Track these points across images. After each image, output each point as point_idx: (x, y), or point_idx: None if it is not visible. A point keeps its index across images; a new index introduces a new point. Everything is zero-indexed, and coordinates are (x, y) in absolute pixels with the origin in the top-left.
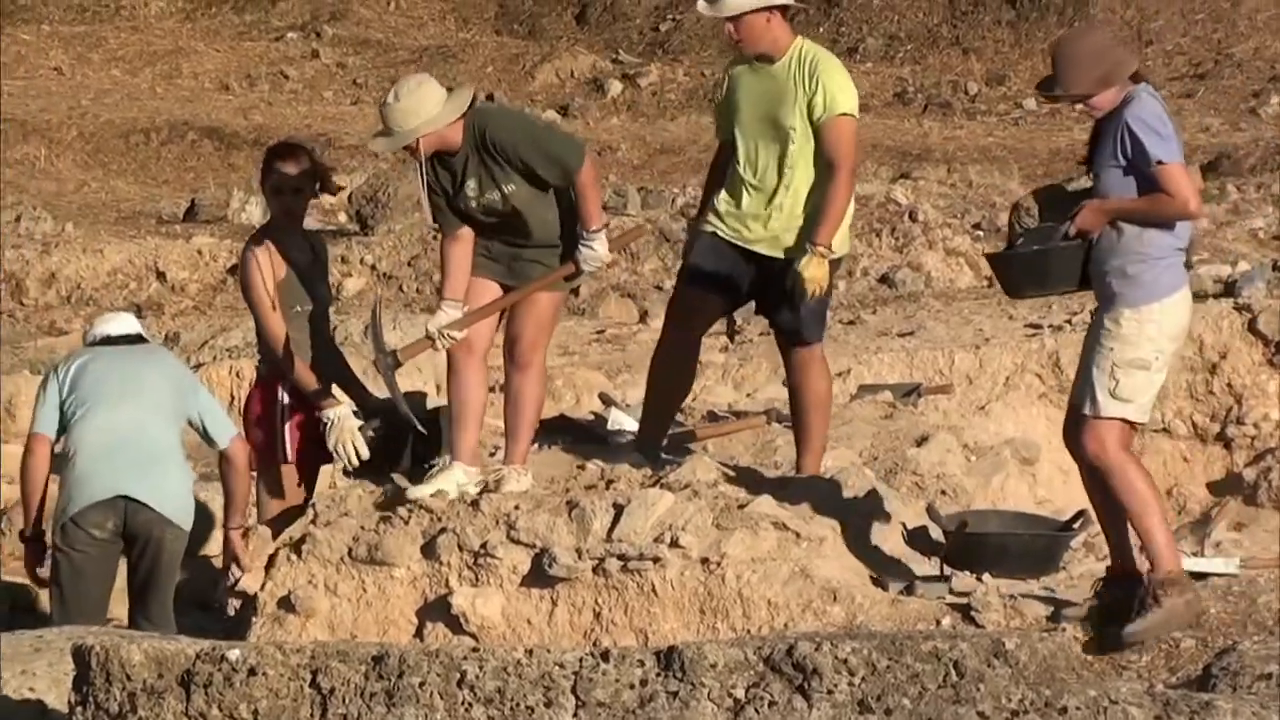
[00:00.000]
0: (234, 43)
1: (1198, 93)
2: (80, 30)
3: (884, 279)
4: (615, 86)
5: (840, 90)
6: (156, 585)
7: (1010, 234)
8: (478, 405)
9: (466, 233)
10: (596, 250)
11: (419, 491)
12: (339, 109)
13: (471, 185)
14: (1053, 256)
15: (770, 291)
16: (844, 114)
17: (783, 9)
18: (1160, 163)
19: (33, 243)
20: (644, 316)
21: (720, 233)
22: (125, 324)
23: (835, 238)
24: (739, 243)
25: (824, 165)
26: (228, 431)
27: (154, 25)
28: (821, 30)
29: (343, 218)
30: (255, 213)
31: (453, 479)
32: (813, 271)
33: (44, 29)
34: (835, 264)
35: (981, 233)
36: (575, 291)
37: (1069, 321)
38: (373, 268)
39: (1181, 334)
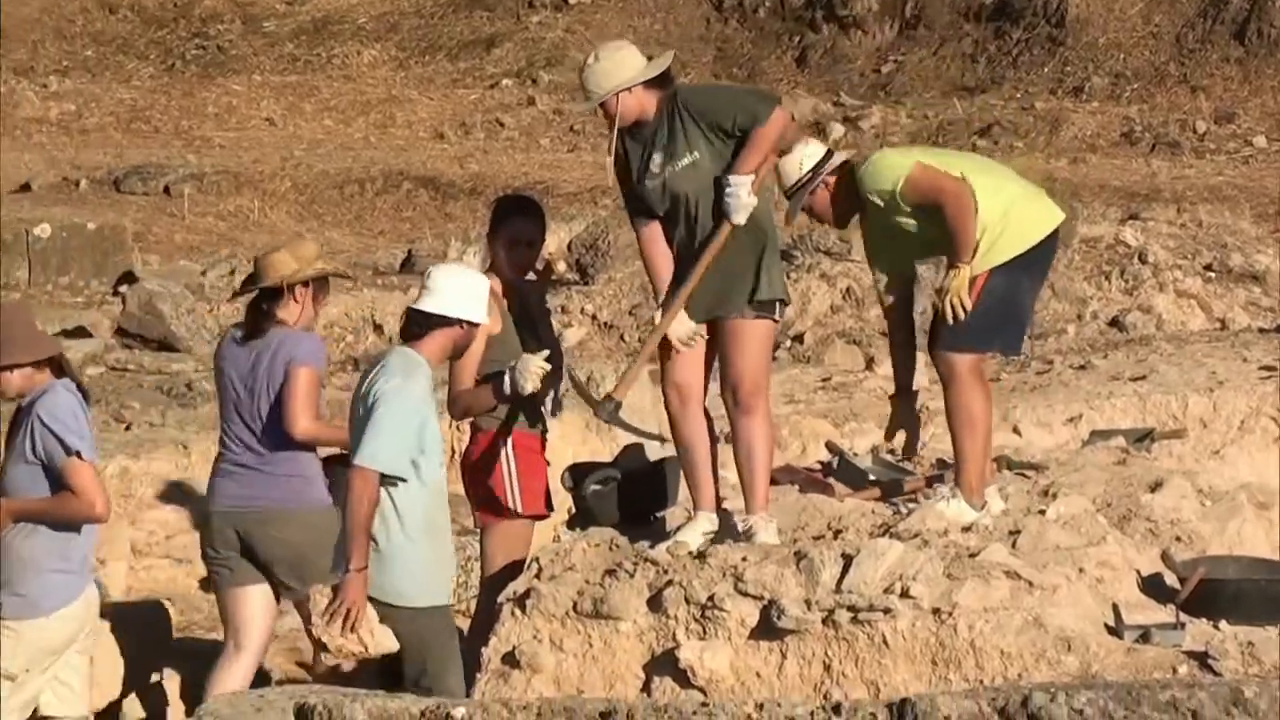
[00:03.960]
0: (448, 91)
1: None
2: (292, 80)
3: (1114, 322)
4: (837, 129)
5: None
6: None
7: None
8: (706, 451)
9: (655, 225)
10: (741, 197)
11: (678, 544)
12: (556, 156)
13: (657, 160)
14: None
15: None
16: None
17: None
18: (74, 456)
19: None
20: (870, 363)
21: None
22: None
23: None
24: None
25: None
26: None
27: (366, 74)
28: (1047, 70)
29: (562, 267)
30: (474, 263)
31: (699, 529)
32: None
33: (255, 79)
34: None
35: (1213, 273)
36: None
37: None
38: (593, 317)
39: (63, 648)
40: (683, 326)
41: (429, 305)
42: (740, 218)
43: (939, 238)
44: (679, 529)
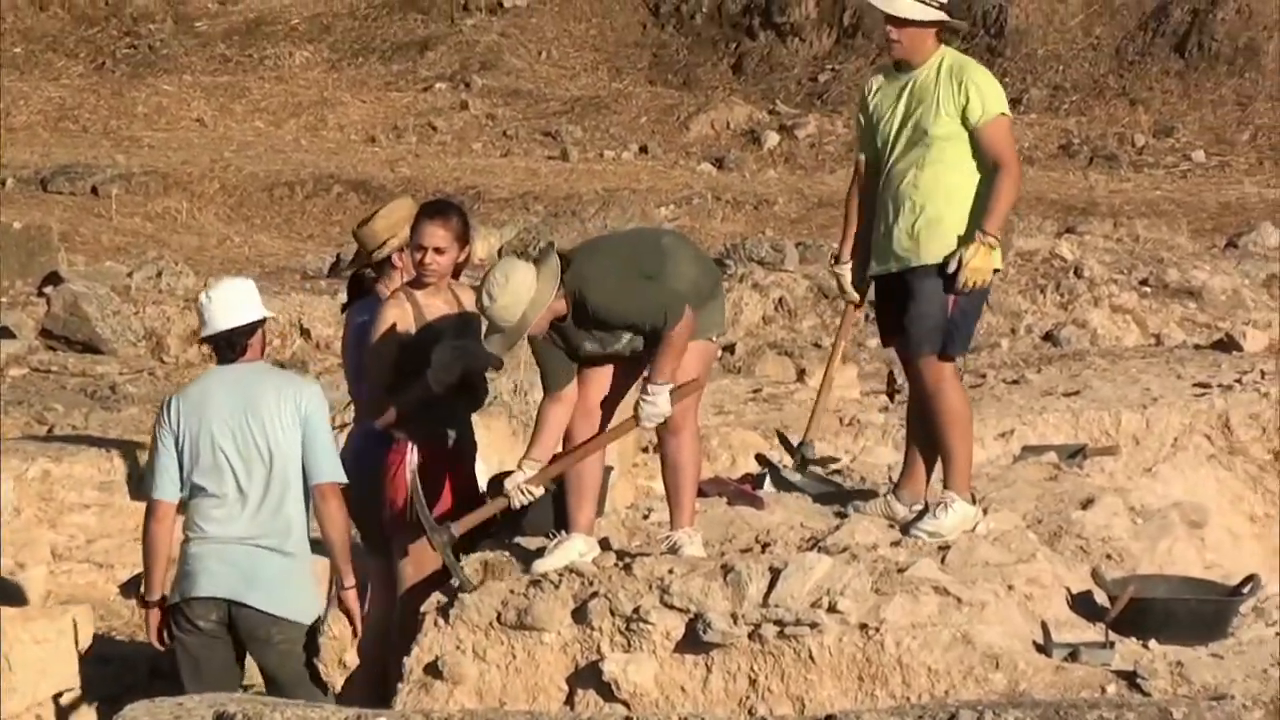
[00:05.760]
0: (381, 93)
1: None
2: (223, 81)
3: (1048, 337)
4: (772, 138)
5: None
6: None
7: None
8: (595, 479)
9: (570, 394)
10: (658, 405)
11: (545, 565)
12: (489, 161)
13: (590, 345)
14: None
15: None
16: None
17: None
18: None
19: (174, 298)
20: (801, 375)
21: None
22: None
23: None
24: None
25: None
26: None
27: (299, 76)
28: None
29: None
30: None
31: (573, 550)
32: (976, 261)
33: (186, 80)
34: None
35: (1149, 289)
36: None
37: (1239, 381)
38: None
39: None
40: (525, 475)
41: (238, 319)
42: (650, 425)
43: (936, 177)
44: (552, 548)
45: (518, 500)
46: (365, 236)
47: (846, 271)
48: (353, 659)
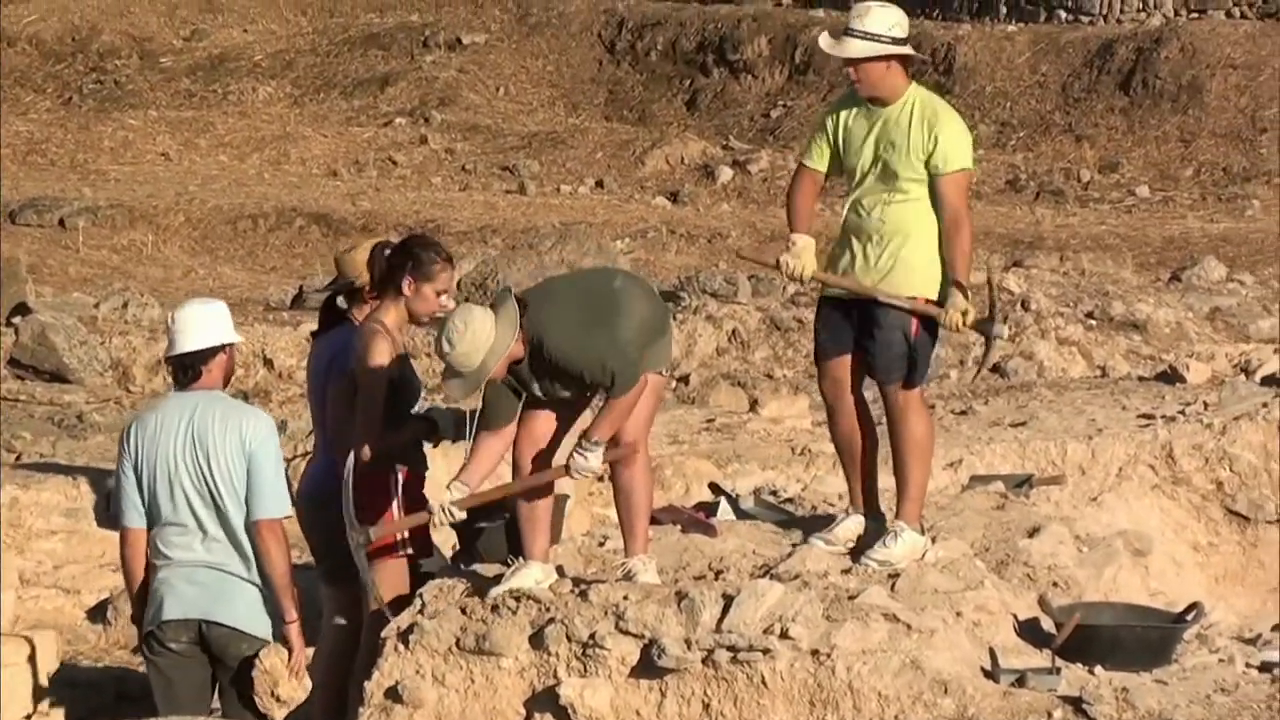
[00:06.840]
0: (342, 128)
1: None
2: (188, 116)
3: (996, 368)
4: (726, 173)
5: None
6: None
7: None
8: (545, 509)
9: (509, 430)
10: (590, 462)
11: (498, 590)
12: (447, 195)
13: (537, 387)
14: None
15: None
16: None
17: (903, 59)
18: None
19: (139, 329)
20: (754, 405)
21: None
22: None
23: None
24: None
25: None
26: None
27: (262, 111)
28: None
29: (450, 304)
30: None
31: (530, 576)
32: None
33: (151, 114)
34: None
35: (1095, 321)
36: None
37: (1182, 412)
38: None
39: None
40: (454, 495)
41: (195, 343)
42: (578, 478)
43: (903, 213)
44: (509, 575)
45: (440, 518)
46: (346, 263)
47: (809, 242)
48: (286, 693)
